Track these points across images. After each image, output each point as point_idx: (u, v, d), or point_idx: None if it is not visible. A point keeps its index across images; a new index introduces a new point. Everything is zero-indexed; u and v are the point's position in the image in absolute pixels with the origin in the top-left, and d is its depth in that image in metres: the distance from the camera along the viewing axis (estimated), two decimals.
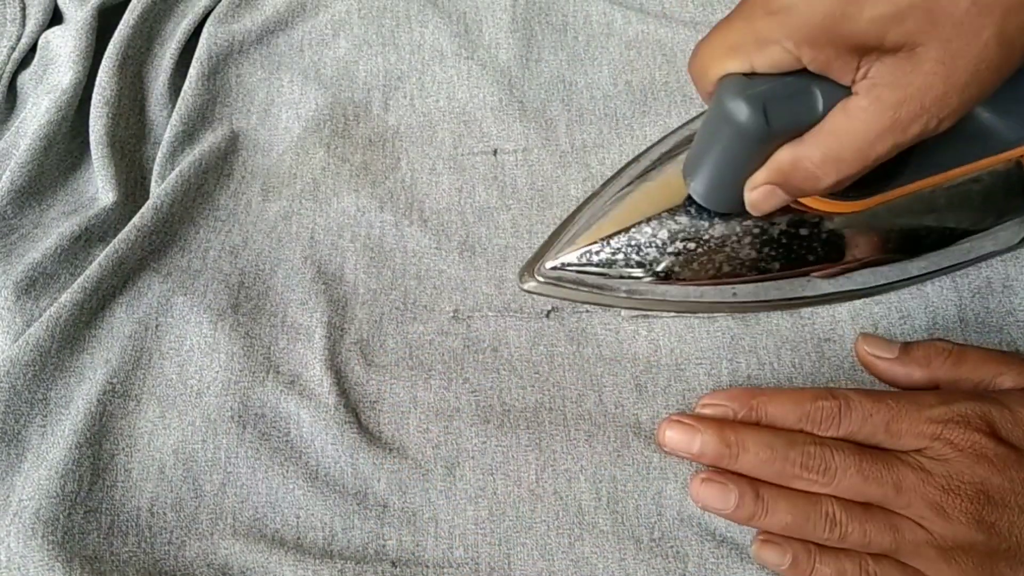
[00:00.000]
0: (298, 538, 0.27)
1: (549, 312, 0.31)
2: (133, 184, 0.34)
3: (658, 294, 0.29)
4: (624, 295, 0.29)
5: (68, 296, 0.29)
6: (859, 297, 0.30)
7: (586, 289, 0.29)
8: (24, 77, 0.37)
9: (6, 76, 0.37)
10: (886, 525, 0.24)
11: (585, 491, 0.27)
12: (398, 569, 0.26)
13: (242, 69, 0.37)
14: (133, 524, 0.27)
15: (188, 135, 0.35)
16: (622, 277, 0.28)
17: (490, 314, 0.31)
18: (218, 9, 0.37)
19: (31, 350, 0.28)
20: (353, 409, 0.29)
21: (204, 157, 0.34)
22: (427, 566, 0.26)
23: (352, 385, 0.29)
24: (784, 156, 0.23)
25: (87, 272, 0.30)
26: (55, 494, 0.26)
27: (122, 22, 0.36)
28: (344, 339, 0.30)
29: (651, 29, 0.36)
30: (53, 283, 0.31)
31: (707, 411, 0.27)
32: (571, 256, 0.29)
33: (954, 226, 0.28)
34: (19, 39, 0.38)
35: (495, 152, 0.34)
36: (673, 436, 0.27)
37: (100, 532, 0.27)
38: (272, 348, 0.30)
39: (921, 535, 0.24)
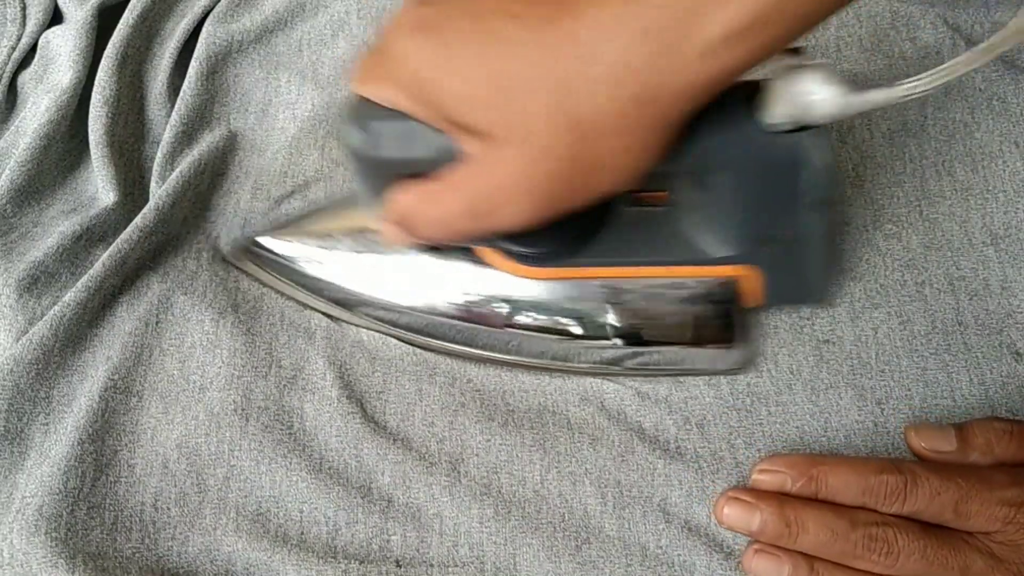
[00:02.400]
0: (302, 533, 0.27)
1: None
2: (132, 183, 0.34)
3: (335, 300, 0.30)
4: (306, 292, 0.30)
5: (71, 295, 0.29)
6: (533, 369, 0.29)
7: (273, 274, 0.30)
8: (24, 77, 0.37)
9: (6, 76, 0.37)
10: None
11: (590, 495, 0.27)
12: (403, 569, 0.26)
13: (241, 69, 0.37)
14: (137, 519, 0.27)
15: (187, 135, 0.35)
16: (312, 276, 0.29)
17: None
18: (217, 9, 0.37)
19: (35, 348, 0.28)
20: (358, 400, 0.29)
21: (203, 157, 0.34)
22: (432, 565, 0.26)
23: (358, 376, 0.29)
24: (398, 198, 0.23)
25: (90, 272, 0.30)
26: (58, 490, 0.26)
27: (122, 22, 0.36)
28: (345, 336, 0.30)
29: None
30: (54, 282, 0.31)
31: (764, 477, 0.26)
32: (275, 239, 0.30)
33: (641, 328, 0.28)
34: (19, 39, 0.38)
35: None
36: (731, 514, 0.26)
37: (103, 528, 0.27)
38: (273, 344, 0.30)
39: None
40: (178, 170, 0.33)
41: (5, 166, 0.34)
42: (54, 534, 0.26)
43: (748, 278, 0.27)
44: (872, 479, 0.25)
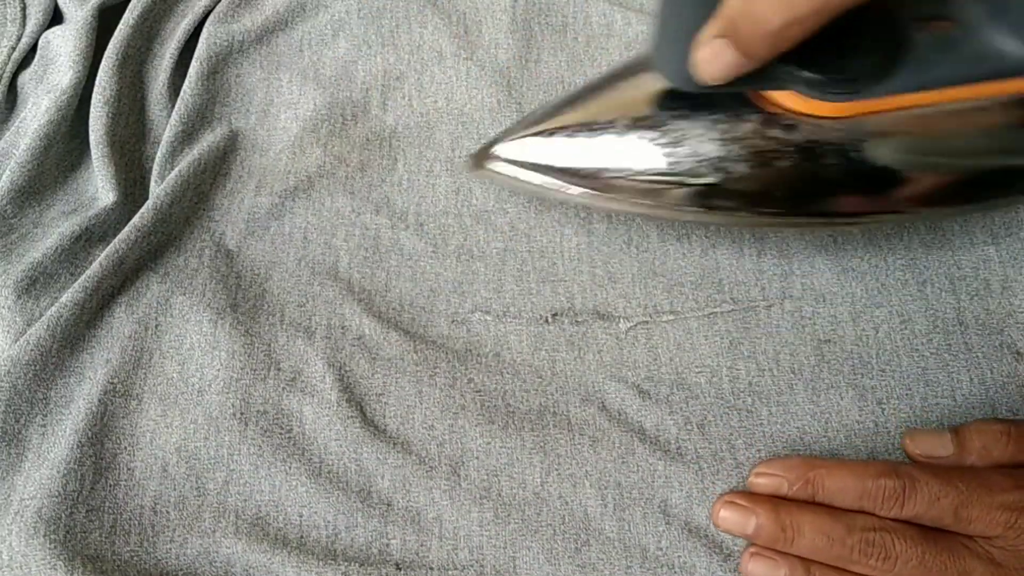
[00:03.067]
0: (301, 537, 0.27)
1: (551, 318, 0.31)
2: (133, 184, 0.34)
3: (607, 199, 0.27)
4: (578, 195, 0.27)
5: (69, 296, 0.29)
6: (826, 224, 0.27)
7: (535, 183, 0.28)
8: (24, 77, 0.37)
9: (6, 76, 0.37)
10: None
11: (591, 497, 0.27)
12: (402, 572, 0.26)
13: (241, 69, 0.37)
14: (136, 523, 0.27)
15: (188, 135, 0.35)
16: (576, 176, 0.27)
17: (488, 318, 0.31)
18: (218, 9, 0.37)
19: (32, 350, 0.28)
20: (358, 403, 0.29)
21: (203, 157, 0.34)
22: (431, 568, 0.26)
23: (358, 379, 0.29)
24: (732, 1, 0.21)
25: (88, 272, 0.30)
26: (57, 493, 0.26)
27: (122, 22, 0.36)
28: (345, 336, 0.30)
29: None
30: (53, 283, 0.31)
31: (761, 481, 0.26)
32: (524, 143, 0.27)
33: (960, 168, 0.25)
34: (19, 39, 0.37)
35: None
36: (727, 517, 0.26)
37: (102, 531, 0.27)
38: (272, 345, 0.30)
39: None
40: (177, 169, 0.33)
41: (5, 166, 0.34)
42: (53, 536, 0.26)
43: None
44: (870, 483, 0.24)
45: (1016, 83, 0.24)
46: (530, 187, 0.29)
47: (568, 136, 0.27)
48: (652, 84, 0.27)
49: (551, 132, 0.28)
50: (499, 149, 0.29)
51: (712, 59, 0.22)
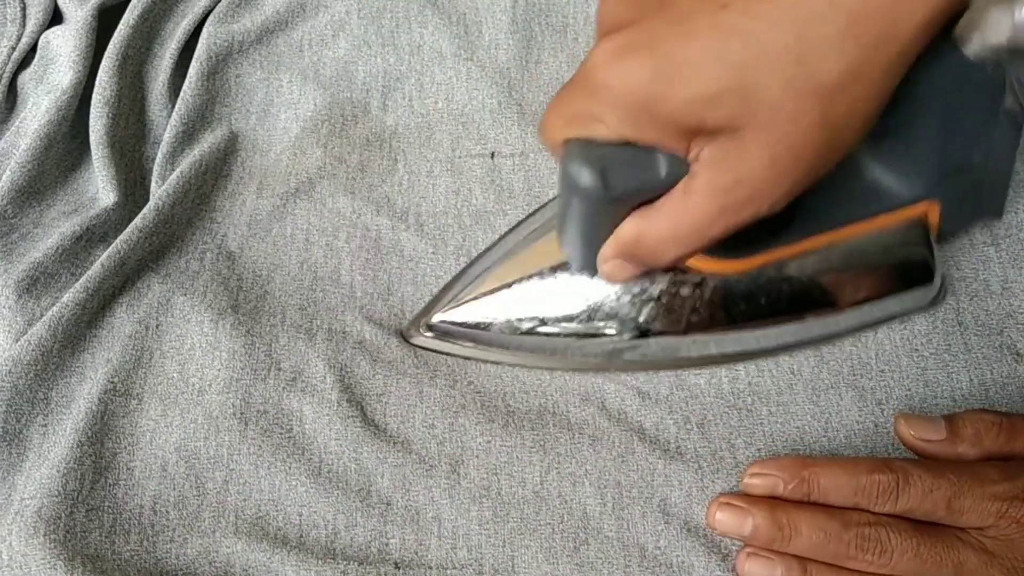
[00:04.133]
0: (301, 536, 0.27)
1: None
2: (133, 184, 0.34)
3: (532, 348, 0.29)
4: (504, 350, 0.29)
5: (70, 296, 0.29)
6: (746, 359, 0.29)
7: (470, 344, 0.29)
8: (24, 77, 0.37)
9: (6, 76, 0.37)
10: None
11: (590, 495, 0.27)
12: (401, 571, 0.26)
13: (241, 69, 0.37)
14: (135, 522, 0.27)
15: (188, 135, 0.35)
16: (503, 332, 0.29)
17: None
18: (218, 9, 0.37)
19: (33, 350, 0.28)
20: (358, 403, 0.29)
21: (204, 158, 0.34)
22: (430, 567, 0.26)
23: (358, 379, 0.29)
24: (627, 230, 0.23)
25: (89, 272, 0.30)
26: (57, 492, 0.26)
27: (122, 22, 0.36)
28: (346, 339, 0.30)
29: None
30: (54, 283, 0.31)
31: (756, 481, 0.26)
32: (456, 312, 0.29)
33: (852, 287, 0.27)
34: (19, 39, 0.38)
35: (493, 155, 0.34)
36: (723, 519, 0.26)
37: (102, 530, 0.27)
38: (273, 346, 0.30)
39: None
40: (178, 170, 0.33)
41: (6, 167, 0.34)
42: (53, 536, 0.26)
43: (933, 211, 0.26)
44: (864, 479, 0.25)
45: (898, 214, 0.26)
46: (465, 354, 0.30)
47: (489, 301, 0.29)
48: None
49: (476, 297, 0.29)
50: (433, 319, 0.30)
51: (616, 272, 0.25)
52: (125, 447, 0.28)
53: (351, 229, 0.33)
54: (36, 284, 0.30)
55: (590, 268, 0.26)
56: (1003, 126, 0.24)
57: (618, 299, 0.27)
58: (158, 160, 0.34)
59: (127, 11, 0.37)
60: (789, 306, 0.27)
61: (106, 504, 0.27)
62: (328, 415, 0.28)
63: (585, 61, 0.21)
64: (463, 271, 0.31)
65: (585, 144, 0.21)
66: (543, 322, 0.28)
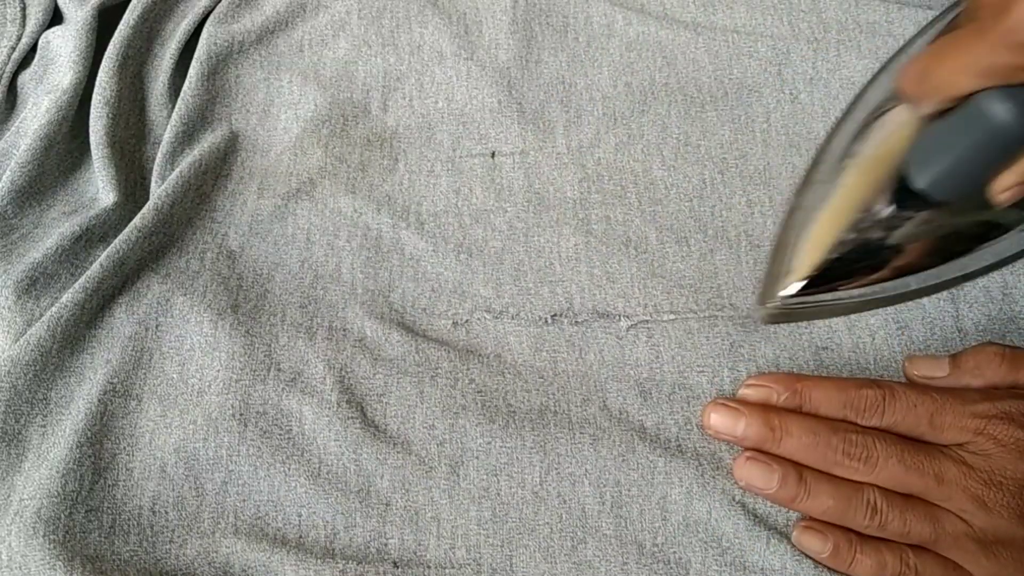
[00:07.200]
0: (300, 537, 0.27)
1: (550, 319, 0.31)
2: (133, 184, 0.34)
3: (874, 292, 0.27)
4: (854, 302, 0.28)
5: (69, 296, 0.29)
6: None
7: (827, 304, 0.28)
8: (24, 77, 0.37)
9: (6, 76, 0.37)
10: (927, 516, 0.25)
11: (589, 495, 0.27)
12: (400, 570, 0.26)
13: (242, 69, 0.37)
14: (135, 523, 0.27)
15: (188, 135, 0.35)
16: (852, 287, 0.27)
17: (488, 317, 0.31)
18: (218, 9, 0.37)
19: (32, 350, 0.28)
20: (358, 404, 0.29)
21: (204, 158, 0.34)
22: (429, 567, 0.26)
23: (359, 379, 0.29)
24: None
25: (88, 272, 0.30)
26: (56, 493, 0.26)
27: (122, 22, 0.36)
28: (347, 338, 0.30)
29: (652, 31, 0.36)
30: (54, 283, 0.31)
31: (750, 391, 0.27)
32: (800, 282, 0.27)
33: None
34: (19, 39, 0.38)
35: (493, 154, 0.34)
36: (717, 419, 0.27)
37: (101, 531, 0.27)
38: (273, 346, 0.30)
39: (961, 528, 0.24)
40: (178, 170, 0.33)
41: (5, 167, 0.34)
42: (52, 536, 0.26)
43: None
44: (853, 393, 0.26)
45: None
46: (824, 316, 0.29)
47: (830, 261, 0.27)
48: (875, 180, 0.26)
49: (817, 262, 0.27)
50: (781, 293, 0.28)
51: (1013, 197, 0.23)
52: (124, 448, 0.28)
53: (352, 228, 0.33)
54: (35, 284, 0.30)
55: (951, 194, 0.25)
56: None
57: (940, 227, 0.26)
58: (158, 160, 0.34)
59: (127, 11, 0.37)
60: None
61: (105, 505, 0.27)
62: (328, 416, 0.28)
63: (1002, 17, 0.20)
64: (782, 232, 0.29)
65: (1006, 90, 0.22)
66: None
